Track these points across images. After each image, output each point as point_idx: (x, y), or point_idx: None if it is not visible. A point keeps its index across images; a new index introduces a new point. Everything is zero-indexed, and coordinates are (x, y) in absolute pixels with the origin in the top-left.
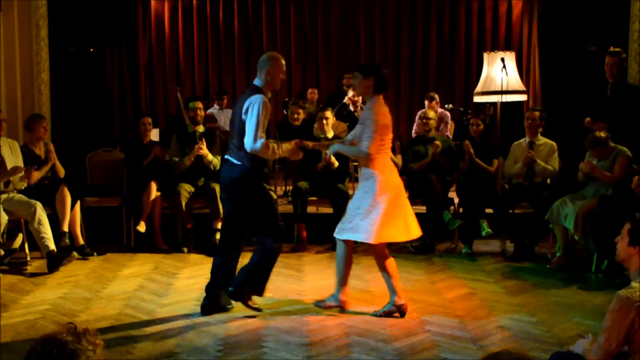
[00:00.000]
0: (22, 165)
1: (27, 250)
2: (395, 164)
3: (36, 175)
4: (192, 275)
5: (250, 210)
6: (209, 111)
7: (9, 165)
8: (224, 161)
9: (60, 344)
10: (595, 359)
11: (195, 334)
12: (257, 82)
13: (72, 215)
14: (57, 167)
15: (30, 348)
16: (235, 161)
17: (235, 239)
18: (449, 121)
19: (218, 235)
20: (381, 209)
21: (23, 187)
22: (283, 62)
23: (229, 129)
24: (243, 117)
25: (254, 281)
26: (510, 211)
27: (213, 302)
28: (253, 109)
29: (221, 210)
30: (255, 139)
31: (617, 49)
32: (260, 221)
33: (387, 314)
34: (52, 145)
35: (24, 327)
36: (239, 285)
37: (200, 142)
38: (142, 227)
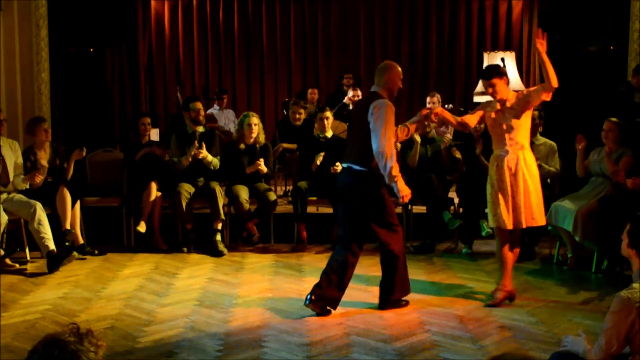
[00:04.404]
0: (21, 164)
1: (27, 250)
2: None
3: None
4: (192, 275)
5: (368, 213)
6: (209, 111)
7: (9, 165)
8: (344, 170)
9: (61, 345)
10: None
11: (195, 334)
12: (374, 88)
13: (72, 215)
14: (66, 170)
15: (31, 348)
16: (358, 167)
17: (358, 239)
18: None
19: (218, 236)
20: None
21: (25, 188)
22: (399, 69)
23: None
24: (369, 119)
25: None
26: None
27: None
28: (379, 113)
29: (222, 211)
30: (384, 141)
31: None
32: (377, 225)
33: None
34: (62, 147)
35: (24, 327)
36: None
37: (196, 147)
38: (142, 227)
